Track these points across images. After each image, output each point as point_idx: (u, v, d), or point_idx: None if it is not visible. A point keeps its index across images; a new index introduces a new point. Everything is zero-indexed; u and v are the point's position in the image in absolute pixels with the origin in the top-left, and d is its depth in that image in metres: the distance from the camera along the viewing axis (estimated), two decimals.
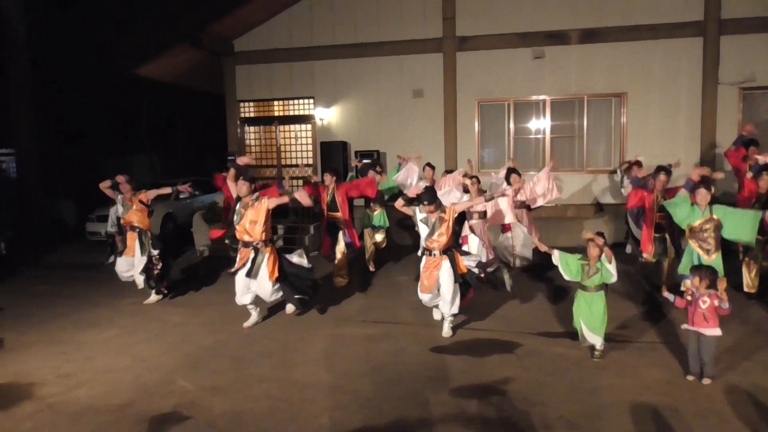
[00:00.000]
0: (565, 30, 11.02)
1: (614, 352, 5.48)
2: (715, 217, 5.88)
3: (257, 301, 6.62)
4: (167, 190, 7.70)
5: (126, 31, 12.48)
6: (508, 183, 8.65)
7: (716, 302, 4.69)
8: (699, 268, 4.95)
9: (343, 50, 11.98)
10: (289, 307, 6.82)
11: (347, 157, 11.79)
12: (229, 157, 12.81)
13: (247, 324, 6.59)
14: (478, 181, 7.82)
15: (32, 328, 6.73)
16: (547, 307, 6.98)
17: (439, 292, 5.88)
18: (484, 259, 7.17)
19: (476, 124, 11.69)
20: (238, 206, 6.30)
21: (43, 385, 5.08)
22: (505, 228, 8.79)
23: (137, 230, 7.53)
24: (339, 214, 7.90)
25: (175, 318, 7.04)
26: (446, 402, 4.55)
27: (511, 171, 8.81)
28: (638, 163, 8.73)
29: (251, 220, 6.18)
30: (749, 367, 5.03)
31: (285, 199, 6.42)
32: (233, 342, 6.10)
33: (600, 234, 5.11)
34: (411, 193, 6.59)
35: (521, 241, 8.62)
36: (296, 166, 12.54)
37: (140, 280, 7.67)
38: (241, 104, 12.91)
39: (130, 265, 7.58)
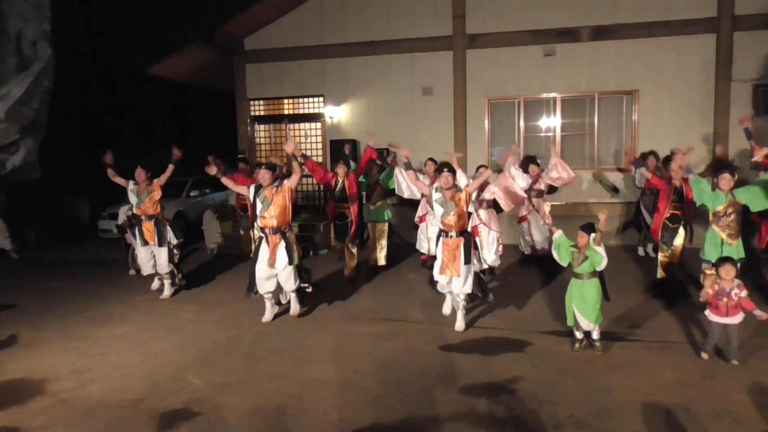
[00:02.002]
0: (576, 27, 10.95)
1: (625, 351, 5.45)
2: (737, 200, 5.89)
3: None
4: (170, 169, 7.76)
5: (140, 31, 12.58)
6: (526, 172, 8.64)
7: (744, 293, 4.91)
8: (728, 259, 5.06)
9: (354, 48, 11.97)
10: (294, 309, 6.76)
11: (357, 155, 11.79)
12: (239, 155, 12.86)
13: (265, 319, 6.63)
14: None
15: (47, 324, 6.81)
16: (556, 305, 6.93)
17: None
18: (491, 255, 7.14)
19: (486, 122, 11.64)
20: (261, 194, 6.32)
21: (57, 380, 5.15)
22: (522, 218, 8.80)
23: (154, 219, 7.61)
24: (347, 206, 7.98)
25: (187, 315, 7.10)
26: (456, 400, 4.55)
27: (529, 160, 8.79)
28: (653, 154, 8.66)
29: (278, 206, 6.25)
30: (764, 368, 4.98)
31: (297, 171, 6.42)
32: (244, 339, 6.14)
33: (585, 227, 5.15)
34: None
35: (539, 229, 8.65)
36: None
37: (163, 271, 7.81)
38: (252, 102, 12.95)
39: (152, 254, 7.72)
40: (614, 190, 10.88)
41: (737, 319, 4.93)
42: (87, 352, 5.85)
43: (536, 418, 4.22)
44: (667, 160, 7.51)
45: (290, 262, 6.34)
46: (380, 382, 4.93)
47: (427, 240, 8.39)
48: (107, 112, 20.32)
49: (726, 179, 5.90)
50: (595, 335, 5.36)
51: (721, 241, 5.98)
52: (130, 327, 6.65)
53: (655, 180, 7.12)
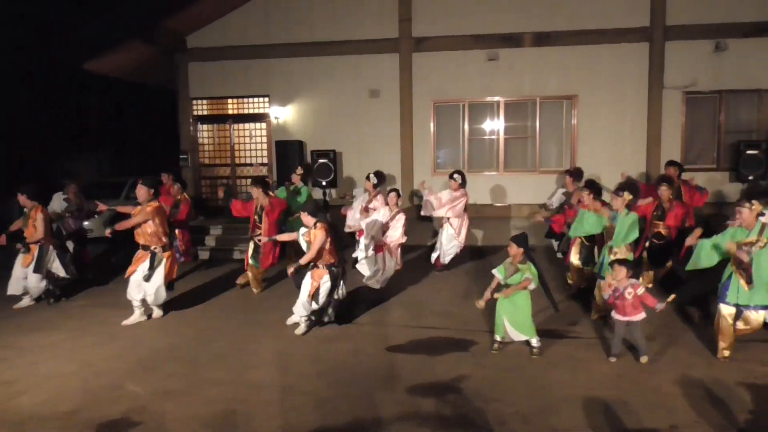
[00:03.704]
0: (518, 33, 11.22)
1: (566, 348, 5.62)
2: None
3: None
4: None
5: (75, 25, 12.02)
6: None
7: (639, 290, 5.13)
8: (621, 262, 5.31)
9: (299, 49, 11.86)
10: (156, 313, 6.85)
11: (304, 156, 11.69)
12: (181, 156, 12.53)
13: (127, 322, 6.63)
14: (398, 195, 7.86)
15: None
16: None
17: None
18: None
19: (432, 124, 11.77)
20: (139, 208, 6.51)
21: None
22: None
23: (39, 243, 7.31)
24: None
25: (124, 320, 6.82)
26: (402, 401, 4.57)
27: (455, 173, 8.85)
28: (575, 172, 8.89)
29: (145, 224, 6.43)
30: (693, 361, 5.24)
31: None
32: (186, 345, 5.96)
33: (517, 239, 5.28)
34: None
35: (447, 239, 8.65)
36: (251, 165, 12.36)
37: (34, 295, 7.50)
38: (194, 102, 12.63)
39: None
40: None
41: (638, 317, 5.14)
42: (15, 362, 5.53)
43: (481, 416, 4.29)
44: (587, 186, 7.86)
45: (146, 279, 6.50)
46: (326, 385, 4.90)
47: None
48: (40, 109, 19.43)
49: (619, 200, 6.13)
50: (534, 342, 5.45)
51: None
52: (63, 335, 6.34)
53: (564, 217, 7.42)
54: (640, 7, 10.83)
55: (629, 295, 5.11)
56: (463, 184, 8.55)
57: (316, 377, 5.07)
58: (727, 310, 5.17)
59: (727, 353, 5.23)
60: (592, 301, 6.48)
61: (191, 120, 12.65)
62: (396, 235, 7.51)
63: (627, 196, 6.13)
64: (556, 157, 11.59)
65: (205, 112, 12.75)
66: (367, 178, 8.43)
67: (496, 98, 11.54)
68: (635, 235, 6.05)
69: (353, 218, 8.29)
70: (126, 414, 4.42)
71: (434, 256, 8.86)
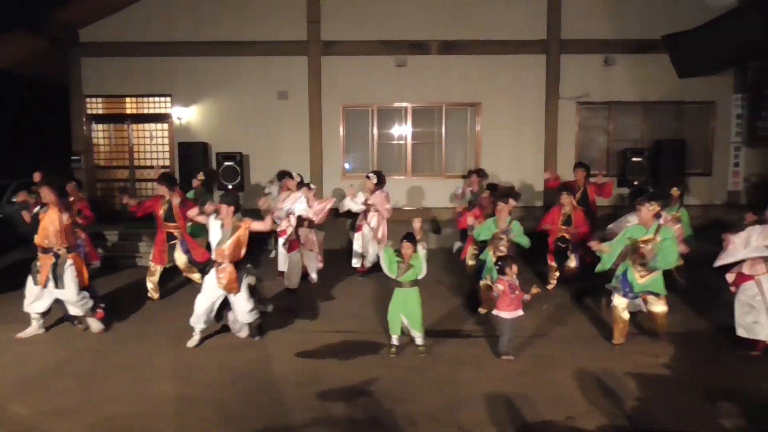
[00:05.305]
0: (425, 40, 11.48)
1: (472, 347, 5.80)
2: (510, 228, 6.67)
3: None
4: None
5: None
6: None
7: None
8: (512, 259, 5.65)
9: (205, 48, 11.46)
10: (94, 326, 6.23)
11: (209, 159, 11.31)
12: (73, 157, 11.73)
13: (22, 335, 6.13)
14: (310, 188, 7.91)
15: None
16: None
17: (232, 307, 5.88)
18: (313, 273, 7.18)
19: (341, 128, 11.78)
20: (38, 210, 5.93)
21: None
22: (357, 228, 8.90)
23: None
24: (175, 225, 7.40)
25: (7, 336, 6.24)
26: (313, 406, 4.52)
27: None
28: (480, 172, 9.41)
29: (52, 225, 5.87)
30: (586, 354, 5.58)
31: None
32: (78, 359, 5.56)
33: (409, 238, 5.45)
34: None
35: (371, 242, 8.75)
36: (151, 167, 11.76)
37: None
38: (88, 100, 11.86)
39: None
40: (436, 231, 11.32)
41: (521, 311, 5.45)
42: None
43: (392, 417, 4.33)
44: (488, 187, 8.32)
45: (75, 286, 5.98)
46: (235, 394, 4.75)
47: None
48: None
49: (502, 208, 6.71)
50: (419, 341, 5.62)
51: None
52: None
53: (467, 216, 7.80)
54: (538, 21, 11.42)
55: (517, 291, 5.39)
56: (380, 185, 8.69)
57: (222, 387, 4.90)
58: (622, 302, 5.70)
59: (621, 340, 5.74)
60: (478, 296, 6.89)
61: (85, 119, 11.87)
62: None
63: (512, 203, 6.75)
64: (461, 162, 11.95)
65: (100, 111, 12.01)
66: (367, 177, 8.70)
67: (404, 104, 11.74)
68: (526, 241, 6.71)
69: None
70: None
71: (356, 262, 8.86)
